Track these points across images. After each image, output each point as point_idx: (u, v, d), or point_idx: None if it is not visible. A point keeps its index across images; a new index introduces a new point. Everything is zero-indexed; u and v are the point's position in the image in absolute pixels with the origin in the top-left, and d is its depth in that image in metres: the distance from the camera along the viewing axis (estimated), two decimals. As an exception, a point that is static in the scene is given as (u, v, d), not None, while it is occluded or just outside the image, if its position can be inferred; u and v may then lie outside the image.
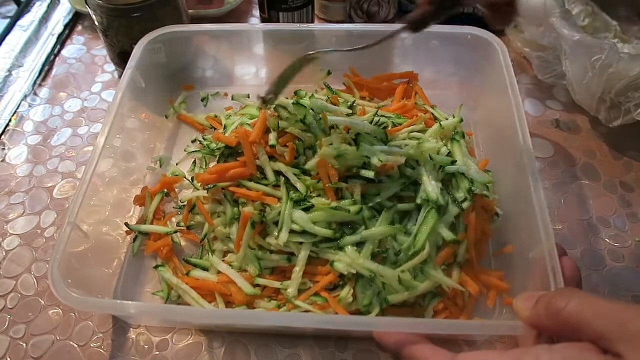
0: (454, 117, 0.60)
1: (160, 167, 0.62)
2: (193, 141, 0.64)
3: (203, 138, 0.63)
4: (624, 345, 0.29)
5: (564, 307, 0.32)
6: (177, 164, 0.62)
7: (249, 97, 0.68)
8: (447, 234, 0.47)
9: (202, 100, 0.69)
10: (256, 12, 0.86)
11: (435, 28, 0.66)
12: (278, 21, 0.73)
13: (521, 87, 0.74)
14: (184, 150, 0.63)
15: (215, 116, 0.65)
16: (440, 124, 0.56)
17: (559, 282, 0.40)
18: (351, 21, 0.75)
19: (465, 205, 0.49)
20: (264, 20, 0.76)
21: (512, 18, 0.42)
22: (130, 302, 0.49)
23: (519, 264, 0.48)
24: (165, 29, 0.62)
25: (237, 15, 0.86)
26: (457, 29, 0.62)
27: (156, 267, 0.51)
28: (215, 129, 0.64)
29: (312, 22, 0.77)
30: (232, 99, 0.68)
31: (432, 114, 0.62)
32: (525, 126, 0.51)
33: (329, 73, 0.65)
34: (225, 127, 0.60)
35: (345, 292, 0.47)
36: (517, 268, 0.49)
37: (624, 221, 0.58)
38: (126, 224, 0.54)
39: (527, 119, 0.67)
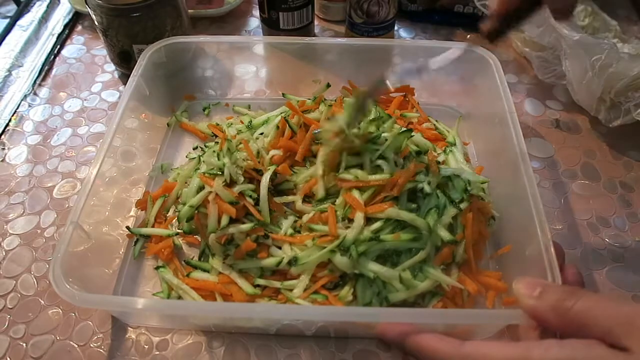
0: (449, 132, 0.62)
1: (162, 172, 0.62)
2: (195, 148, 0.64)
3: (205, 146, 0.63)
4: (632, 340, 0.30)
5: (572, 306, 0.33)
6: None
7: (249, 108, 0.68)
8: (445, 234, 0.47)
9: (204, 110, 0.69)
10: (256, 12, 0.85)
11: (428, 44, 0.68)
12: (278, 21, 0.73)
13: (521, 87, 0.74)
14: (186, 157, 0.63)
15: (217, 124, 0.65)
16: None
17: (556, 276, 0.40)
18: (351, 20, 0.75)
19: (462, 205, 0.49)
20: (263, 20, 0.76)
21: (574, 6, 0.44)
22: (134, 297, 0.50)
23: (517, 264, 0.49)
24: (171, 40, 0.63)
25: (237, 15, 0.86)
26: (451, 45, 0.63)
27: (157, 268, 0.52)
28: (216, 136, 0.64)
29: (312, 22, 0.77)
30: (232, 110, 0.69)
31: (435, 125, 0.63)
32: (520, 133, 0.52)
33: (328, 86, 0.66)
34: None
35: (346, 291, 0.47)
36: (515, 268, 0.49)
37: (624, 221, 0.58)
38: (128, 228, 0.54)
39: (527, 119, 0.68)
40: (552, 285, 0.37)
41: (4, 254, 0.55)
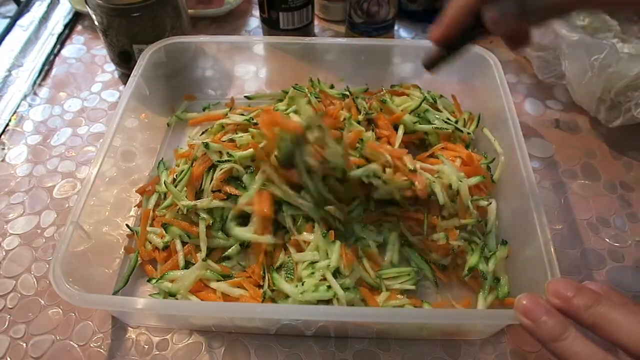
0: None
1: (165, 170, 0.61)
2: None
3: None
4: None
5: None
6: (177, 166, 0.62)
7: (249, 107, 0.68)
8: None
9: (204, 109, 0.69)
10: (256, 12, 0.86)
11: (428, 44, 0.68)
12: (278, 21, 0.73)
13: (521, 87, 0.74)
14: (177, 151, 0.63)
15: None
16: None
17: (556, 276, 0.41)
18: (351, 20, 0.75)
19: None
20: (263, 20, 0.76)
21: (527, 43, 0.40)
22: (134, 298, 0.50)
23: (517, 264, 0.49)
24: (171, 40, 0.63)
25: (236, 14, 0.86)
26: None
27: (150, 280, 0.51)
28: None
29: (312, 22, 0.77)
30: (229, 112, 0.68)
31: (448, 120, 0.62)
32: (520, 133, 0.52)
33: (331, 87, 0.66)
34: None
35: None
36: (515, 269, 0.49)
37: (624, 221, 0.58)
38: (127, 226, 0.54)
39: (527, 119, 0.68)
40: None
41: (4, 254, 0.55)
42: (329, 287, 0.46)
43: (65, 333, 0.49)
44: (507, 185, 0.54)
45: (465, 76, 0.64)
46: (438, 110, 0.63)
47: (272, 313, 0.42)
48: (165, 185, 0.55)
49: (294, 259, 0.49)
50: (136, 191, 0.57)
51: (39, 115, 0.71)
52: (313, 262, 0.48)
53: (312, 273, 0.47)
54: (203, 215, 0.52)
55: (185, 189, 0.54)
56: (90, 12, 0.66)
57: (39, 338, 0.49)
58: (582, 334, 0.34)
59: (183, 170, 0.56)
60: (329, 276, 0.46)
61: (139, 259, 0.52)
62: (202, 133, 0.63)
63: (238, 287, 0.49)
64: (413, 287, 0.49)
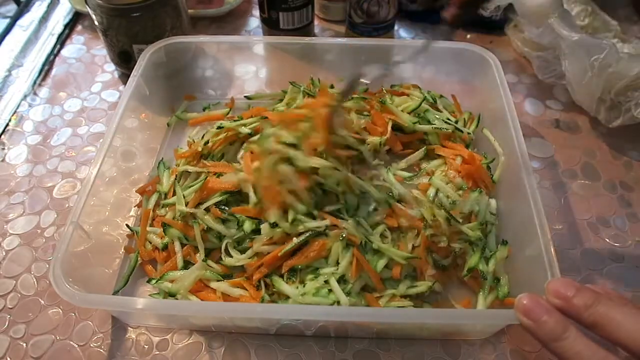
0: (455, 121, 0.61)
1: (166, 170, 0.61)
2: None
3: (193, 140, 0.63)
4: None
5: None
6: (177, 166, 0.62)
7: (249, 107, 0.68)
8: None
9: (204, 109, 0.69)
10: (256, 11, 0.86)
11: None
12: (278, 21, 0.73)
13: (521, 87, 0.74)
14: (177, 151, 0.63)
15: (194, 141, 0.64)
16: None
17: (556, 276, 0.41)
18: (351, 20, 0.75)
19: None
20: (263, 20, 0.76)
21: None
22: (134, 298, 0.50)
23: (517, 264, 0.49)
24: (171, 40, 0.63)
25: (236, 14, 0.86)
26: (452, 45, 0.64)
27: (150, 280, 0.51)
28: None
29: (312, 22, 0.77)
30: (229, 112, 0.68)
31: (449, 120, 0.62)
32: (520, 133, 0.52)
33: (331, 87, 0.66)
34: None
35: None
36: (515, 268, 0.49)
37: (624, 221, 0.58)
38: (127, 226, 0.54)
39: (527, 119, 0.68)
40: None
41: (4, 254, 0.55)
42: (330, 291, 0.46)
43: (65, 333, 0.49)
44: (507, 185, 0.54)
45: (465, 76, 0.64)
46: (438, 110, 0.63)
47: (272, 313, 0.42)
48: (174, 184, 0.55)
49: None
50: (136, 191, 0.57)
51: (39, 115, 0.71)
52: (317, 268, 0.48)
53: (316, 277, 0.47)
54: (199, 220, 0.51)
55: (193, 194, 0.53)
56: (90, 12, 0.66)
57: (39, 338, 0.49)
58: (582, 334, 0.34)
59: (189, 172, 0.56)
60: (333, 282, 0.46)
61: (139, 259, 0.52)
62: (203, 136, 0.62)
63: (238, 287, 0.48)
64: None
